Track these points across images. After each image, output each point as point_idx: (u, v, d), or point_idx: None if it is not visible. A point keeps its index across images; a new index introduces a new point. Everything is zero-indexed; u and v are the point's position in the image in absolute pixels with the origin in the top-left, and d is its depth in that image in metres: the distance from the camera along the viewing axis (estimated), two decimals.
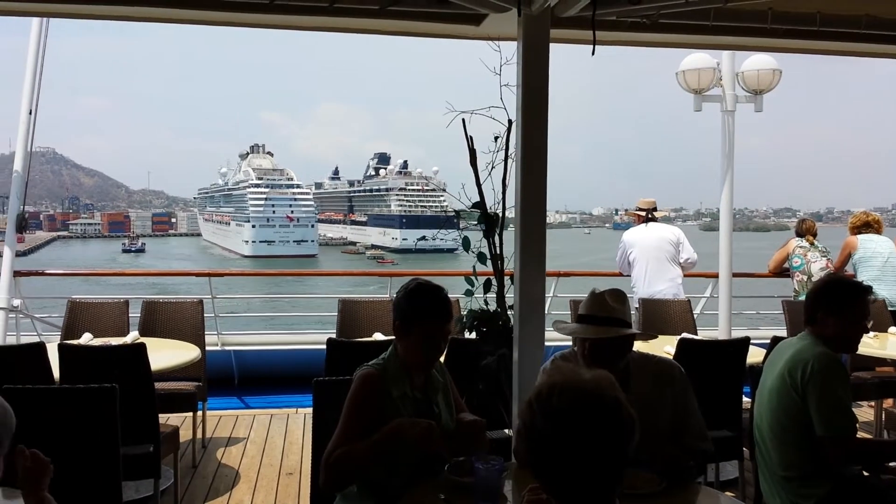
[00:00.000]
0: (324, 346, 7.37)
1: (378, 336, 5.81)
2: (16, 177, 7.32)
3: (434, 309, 2.73)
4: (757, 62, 6.95)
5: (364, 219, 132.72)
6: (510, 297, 3.96)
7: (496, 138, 3.90)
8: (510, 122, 3.79)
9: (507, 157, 3.86)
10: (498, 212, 4.04)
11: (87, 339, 5.21)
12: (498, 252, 3.99)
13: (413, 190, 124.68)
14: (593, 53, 3.15)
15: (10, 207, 7.43)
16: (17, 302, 7.04)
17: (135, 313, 6.02)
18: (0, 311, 6.87)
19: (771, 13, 3.72)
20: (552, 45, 3.41)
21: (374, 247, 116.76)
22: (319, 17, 3.18)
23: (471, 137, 3.90)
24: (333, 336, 6.03)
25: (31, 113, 7.22)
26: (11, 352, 4.35)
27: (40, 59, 7.22)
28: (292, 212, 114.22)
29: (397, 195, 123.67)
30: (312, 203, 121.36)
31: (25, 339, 7.37)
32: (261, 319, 11.05)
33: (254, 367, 8.10)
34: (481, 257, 4.02)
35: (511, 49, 3.66)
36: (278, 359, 8.13)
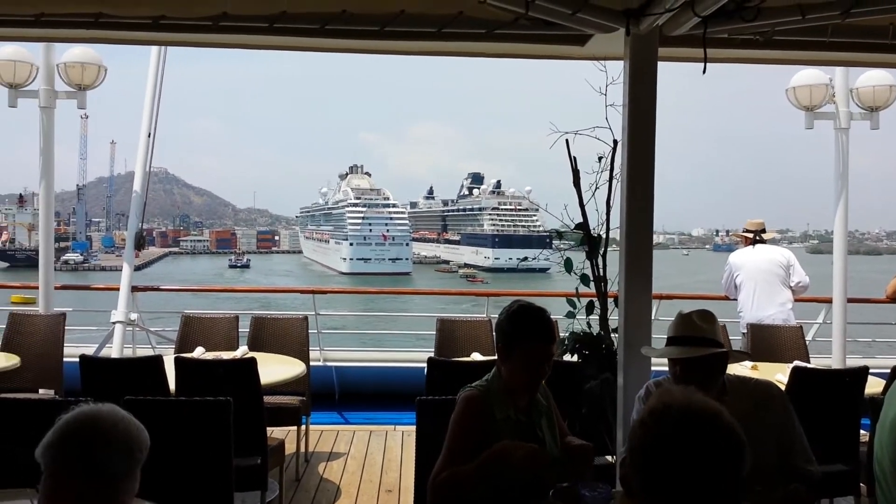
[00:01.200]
0: (421, 365, 7.42)
1: (476, 356, 5.82)
2: (135, 197, 7.75)
3: (537, 331, 2.72)
4: (872, 78, 6.64)
5: (457, 238, 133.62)
6: (613, 319, 3.90)
7: (600, 158, 3.86)
8: (615, 142, 3.74)
9: (611, 177, 3.80)
10: (600, 233, 3.98)
11: (199, 352, 5.43)
12: (601, 274, 3.93)
13: (506, 209, 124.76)
14: (704, 72, 3.08)
15: (129, 226, 7.87)
16: (134, 316, 7.43)
17: (243, 328, 6.26)
18: (119, 324, 7.26)
19: (892, 28, 3.54)
20: (658, 64, 3.37)
21: (466, 265, 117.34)
22: (428, 42, 3.24)
23: (574, 158, 3.87)
24: (432, 354, 6.10)
25: (149, 136, 7.64)
26: (132, 364, 4.59)
27: (159, 85, 7.64)
28: (388, 230, 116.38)
29: (490, 214, 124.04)
30: (407, 222, 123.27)
31: (141, 352, 7.77)
32: (359, 336, 11.26)
33: (354, 384, 8.23)
34: (584, 279, 3.96)
35: (614, 68, 3.63)
36: (377, 376, 8.24)
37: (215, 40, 3.30)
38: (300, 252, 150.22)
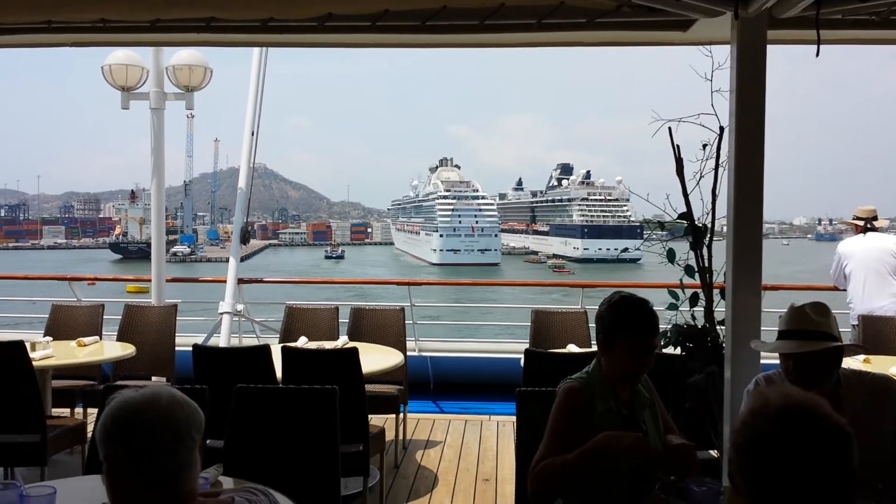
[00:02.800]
0: (515, 355, 7.45)
1: (572, 347, 5.78)
2: (240, 193, 8.06)
3: (639, 323, 2.68)
4: None
5: (546, 229, 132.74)
6: (718, 311, 3.80)
7: (705, 146, 3.75)
8: (721, 128, 3.64)
9: (717, 165, 3.70)
10: (705, 222, 3.88)
11: (303, 342, 5.60)
12: (706, 264, 3.82)
13: (595, 200, 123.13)
14: (818, 54, 2.95)
15: (235, 221, 8.20)
16: (240, 307, 7.74)
17: (342, 318, 6.43)
18: (226, 315, 7.58)
19: None
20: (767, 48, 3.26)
21: (555, 256, 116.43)
22: (528, 34, 3.23)
23: (678, 146, 3.78)
24: (525, 345, 6.09)
25: (253, 134, 7.93)
26: (241, 353, 4.79)
27: (261, 85, 7.91)
28: (477, 222, 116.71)
29: (579, 205, 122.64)
30: (496, 213, 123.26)
31: (246, 341, 8.09)
32: (452, 327, 11.37)
33: (448, 373, 8.33)
34: (689, 270, 3.87)
35: (717, 53, 3.53)
36: (471, 366, 8.30)
37: (320, 40, 3.38)
38: (391, 244, 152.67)
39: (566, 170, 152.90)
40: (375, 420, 5.62)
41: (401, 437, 5.92)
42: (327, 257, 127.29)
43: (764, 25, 3.16)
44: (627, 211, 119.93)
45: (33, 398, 4.40)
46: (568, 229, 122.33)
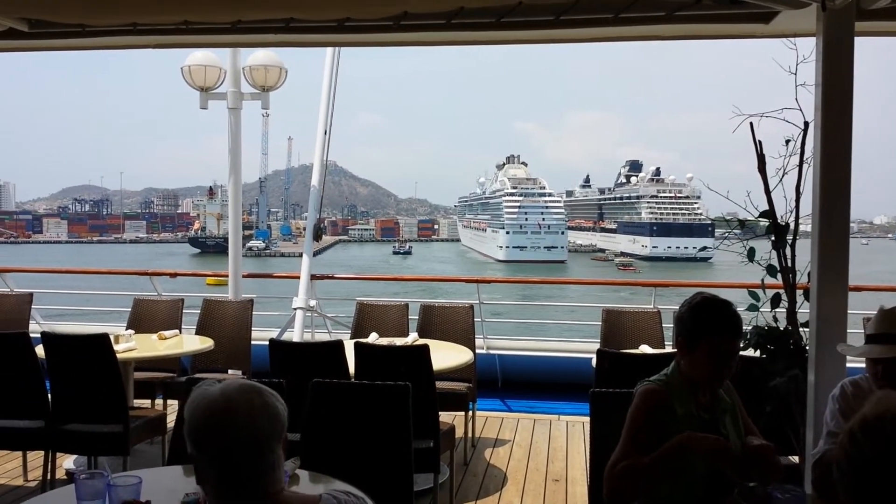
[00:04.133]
0: (584, 355, 7.36)
1: (645, 348, 5.68)
2: (313, 191, 8.21)
3: (722, 325, 2.61)
4: None
5: (614, 226, 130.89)
6: (801, 312, 3.66)
7: (787, 141, 3.62)
8: (806, 124, 3.51)
9: (801, 161, 3.56)
10: (788, 221, 3.74)
11: (374, 338, 5.66)
12: (788, 264, 3.70)
13: (665, 197, 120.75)
14: None
15: (308, 219, 8.36)
16: (313, 302, 7.88)
17: (411, 315, 6.47)
18: (300, 310, 7.74)
19: None
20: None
21: (622, 254, 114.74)
22: (604, 29, 3.19)
23: (760, 142, 3.66)
24: (594, 345, 6.02)
25: (325, 133, 8.06)
26: (316, 348, 4.87)
27: (333, 84, 8.03)
28: (543, 219, 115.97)
29: (648, 203, 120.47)
30: (563, 211, 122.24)
31: (318, 336, 8.23)
32: (520, 325, 11.31)
33: (516, 371, 8.30)
34: (771, 269, 3.75)
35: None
36: (540, 364, 8.25)
37: (395, 39, 3.41)
38: (458, 240, 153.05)
39: (635, 167, 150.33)
40: (445, 417, 5.65)
41: (470, 434, 5.93)
42: (395, 253, 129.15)
43: (852, 16, 3.04)
44: (698, 208, 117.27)
45: (117, 389, 4.57)
46: (636, 227, 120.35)
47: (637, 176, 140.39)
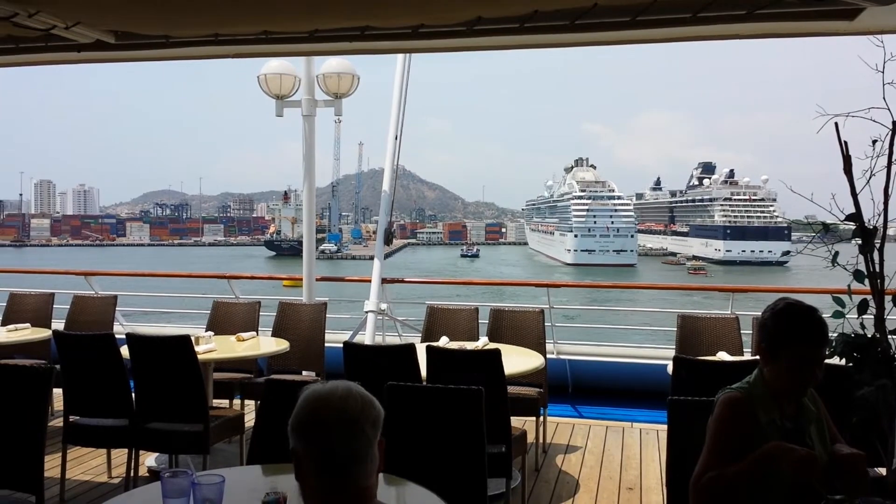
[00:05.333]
0: (659, 361, 7.22)
1: (723, 355, 5.53)
2: (384, 195, 8.31)
3: (807, 332, 2.53)
4: None
5: (685, 229, 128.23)
6: (890, 319, 3.50)
7: (874, 142, 3.47)
8: (894, 123, 3.35)
9: (889, 162, 3.41)
10: (876, 224, 3.58)
11: (444, 341, 5.67)
12: (877, 269, 3.53)
13: (739, 200, 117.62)
14: None
15: (379, 223, 8.47)
16: (384, 306, 7.97)
17: (481, 318, 6.47)
18: (371, 314, 7.83)
19: None
20: None
21: (695, 258, 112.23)
22: (681, 28, 3.12)
23: (845, 143, 3.51)
24: (668, 351, 5.90)
25: (396, 138, 8.15)
26: (388, 351, 4.92)
27: (404, 89, 8.11)
28: (612, 222, 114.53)
29: (721, 205, 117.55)
30: (633, 214, 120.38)
31: (389, 339, 8.32)
32: (590, 330, 11.16)
33: (587, 377, 8.20)
34: (859, 275, 3.60)
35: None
36: (612, 371, 8.14)
37: (468, 44, 3.41)
38: (525, 244, 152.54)
39: (708, 168, 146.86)
40: (516, 422, 5.63)
41: (541, 440, 5.89)
42: (463, 256, 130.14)
43: None
44: (774, 211, 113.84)
45: (198, 390, 4.71)
46: (709, 230, 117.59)
47: (710, 178, 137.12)
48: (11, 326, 6.48)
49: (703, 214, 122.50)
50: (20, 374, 3.75)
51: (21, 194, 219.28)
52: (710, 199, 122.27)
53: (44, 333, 6.39)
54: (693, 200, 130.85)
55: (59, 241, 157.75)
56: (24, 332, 6.38)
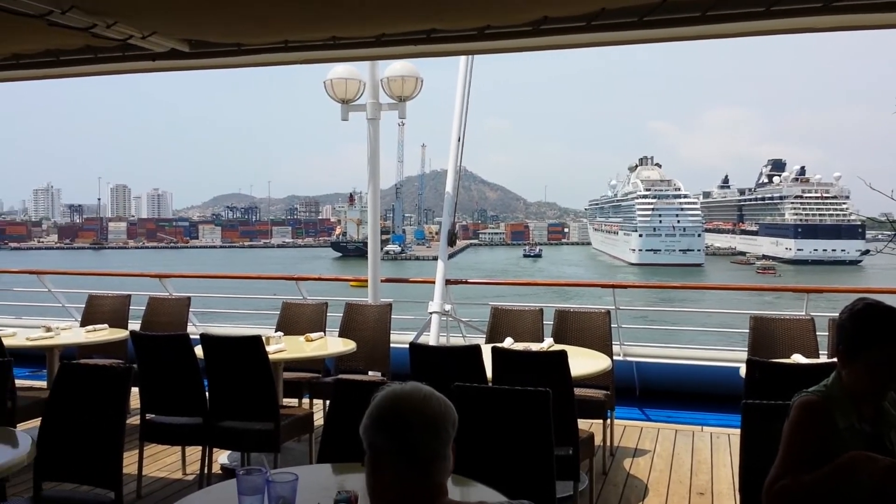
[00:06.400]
0: (730, 364, 7.05)
1: (798, 358, 5.36)
2: (447, 197, 8.34)
3: (888, 333, 2.42)
4: None
5: (755, 228, 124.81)
6: None
7: None
8: None
9: None
10: None
11: (508, 342, 5.65)
12: None
13: (811, 197, 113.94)
14: None
15: (443, 224, 8.51)
16: (448, 307, 8.00)
17: (546, 320, 6.42)
18: (435, 314, 7.87)
19: None
20: None
21: (765, 257, 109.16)
22: (753, 23, 3.04)
23: None
24: (740, 353, 5.74)
25: (459, 140, 8.16)
26: (454, 352, 4.93)
27: (467, 91, 8.13)
28: (678, 221, 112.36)
29: (792, 203, 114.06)
30: (699, 212, 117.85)
31: (453, 340, 8.34)
32: (658, 331, 10.97)
33: (655, 380, 8.06)
34: None
35: None
36: (680, 373, 7.98)
37: (533, 44, 3.40)
38: (588, 243, 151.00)
39: (778, 166, 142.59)
40: (582, 425, 5.57)
41: (608, 443, 5.81)
42: (525, 256, 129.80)
43: None
44: (847, 208, 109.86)
45: (269, 389, 4.81)
46: (779, 229, 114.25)
47: (780, 175, 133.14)
48: (90, 327, 6.71)
49: (773, 213, 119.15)
50: (101, 374, 3.90)
51: (99, 199, 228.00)
52: (781, 197, 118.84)
53: (121, 334, 6.61)
54: (763, 198, 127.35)
55: (135, 243, 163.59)
56: (102, 333, 6.61)
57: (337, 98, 7.41)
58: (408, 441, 1.76)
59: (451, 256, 8.67)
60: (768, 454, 2.53)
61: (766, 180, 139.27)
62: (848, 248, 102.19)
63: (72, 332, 6.55)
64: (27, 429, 4.35)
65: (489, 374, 4.53)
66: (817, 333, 5.80)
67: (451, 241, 8.36)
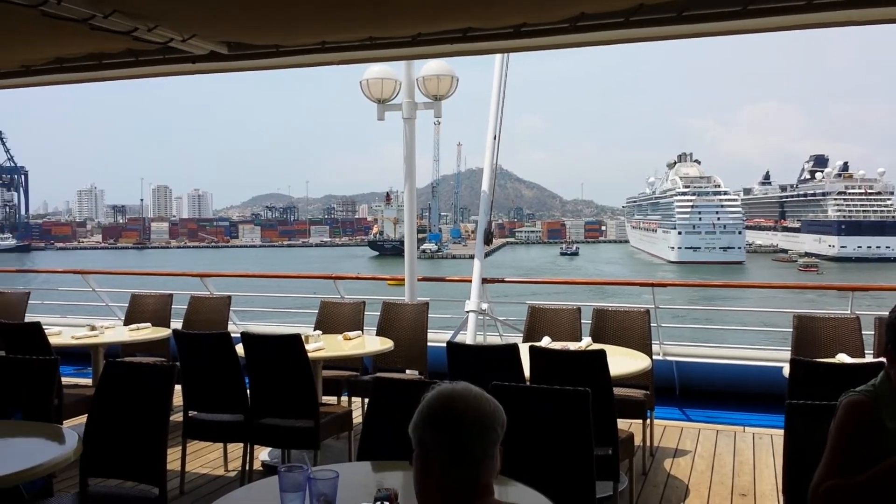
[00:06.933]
0: (773, 363, 6.93)
1: (843, 357, 5.25)
2: (483, 195, 8.33)
3: None
4: None
5: (797, 225, 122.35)
6: None
7: None
8: None
9: None
10: None
11: (546, 342, 5.61)
12: None
13: (854, 194, 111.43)
14: None
15: (479, 223, 8.50)
16: (485, 305, 7.99)
17: (584, 319, 6.38)
18: (472, 313, 7.86)
19: None
20: None
21: (807, 254, 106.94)
22: (796, 16, 2.97)
23: None
24: (783, 352, 5.64)
25: (495, 138, 8.15)
26: (492, 350, 4.92)
27: (502, 89, 8.10)
28: (718, 218, 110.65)
29: (835, 199, 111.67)
30: (740, 210, 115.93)
31: (490, 339, 8.33)
32: (698, 330, 10.83)
33: (695, 379, 7.95)
34: None
35: None
36: (722, 373, 7.86)
37: (570, 41, 3.36)
38: (626, 241, 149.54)
39: (820, 161, 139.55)
40: (622, 425, 5.52)
41: (648, 443, 5.75)
42: (562, 254, 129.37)
43: None
44: (892, 205, 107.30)
45: (308, 386, 4.86)
46: (822, 226, 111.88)
47: (822, 171, 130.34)
48: (133, 326, 6.84)
49: (816, 209, 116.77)
50: (145, 372, 3.98)
51: (142, 199, 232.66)
52: (823, 194, 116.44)
53: (163, 332, 6.72)
54: (805, 195, 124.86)
55: (177, 243, 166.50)
56: (145, 332, 6.72)
57: (373, 98, 7.44)
58: (459, 439, 1.78)
59: (487, 255, 8.65)
60: (813, 455, 2.49)
61: (808, 176, 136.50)
62: (893, 245, 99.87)
63: (116, 331, 6.67)
64: (73, 425, 4.45)
65: (527, 373, 4.51)
66: (863, 332, 5.67)
67: (488, 240, 8.34)
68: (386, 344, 5.97)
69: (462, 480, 1.79)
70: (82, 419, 4.13)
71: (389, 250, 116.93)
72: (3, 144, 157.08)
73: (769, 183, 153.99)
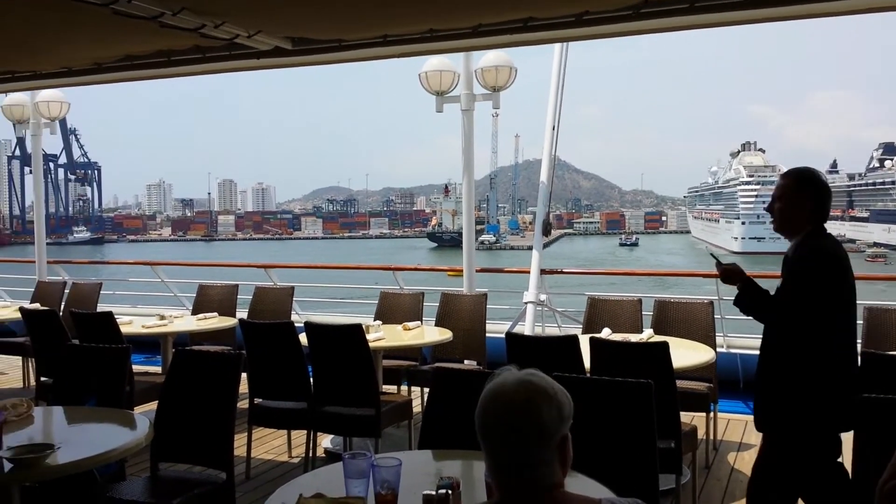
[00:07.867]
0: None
1: None
2: (542, 187, 8.28)
3: None
4: None
5: (865, 215, 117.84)
6: None
7: None
8: None
9: None
10: None
11: (606, 333, 5.56)
12: None
13: None
14: None
15: (537, 214, 8.46)
16: (543, 297, 7.95)
17: (645, 310, 6.29)
18: (530, 304, 7.84)
19: None
20: None
21: (876, 245, 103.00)
22: (842, 2, 2.88)
23: None
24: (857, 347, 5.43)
25: (554, 129, 8.08)
26: (551, 342, 4.92)
27: (562, 79, 8.02)
28: None
29: None
30: None
31: (548, 331, 8.29)
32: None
33: None
34: None
35: None
36: None
37: (633, 28, 3.32)
38: (687, 232, 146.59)
39: (890, 149, 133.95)
40: (684, 418, 5.43)
41: (711, 437, 5.65)
42: (621, 245, 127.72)
43: None
44: None
45: (369, 376, 4.93)
46: (892, 215, 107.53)
47: (892, 159, 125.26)
48: (201, 315, 7.03)
49: (886, 198, 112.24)
50: (213, 360, 4.11)
51: (209, 192, 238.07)
52: (893, 182, 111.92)
53: (229, 322, 6.89)
54: (874, 184, 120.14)
55: (243, 235, 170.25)
56: (212, 321, 6.91)
57: (431, 90, 7.45)
58: (496, 449, 1.69)
59: (545, 246, 8.61)
60: (883, 451, 2.41)
61: (877, 164, 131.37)
62: None
63: (184, 320, 6.87)
64: (143, 412, 4.61)
65: (587, 364, 4.48)
66: None
67: (546, 231, 8.29)
68: (445, 334, 6.01)
69: (511, 487, 1.70)
70: (153, 406, 4.27)
71: (448, 241, 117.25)
72: (77, 141, 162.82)
73: (836, 171, 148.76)
